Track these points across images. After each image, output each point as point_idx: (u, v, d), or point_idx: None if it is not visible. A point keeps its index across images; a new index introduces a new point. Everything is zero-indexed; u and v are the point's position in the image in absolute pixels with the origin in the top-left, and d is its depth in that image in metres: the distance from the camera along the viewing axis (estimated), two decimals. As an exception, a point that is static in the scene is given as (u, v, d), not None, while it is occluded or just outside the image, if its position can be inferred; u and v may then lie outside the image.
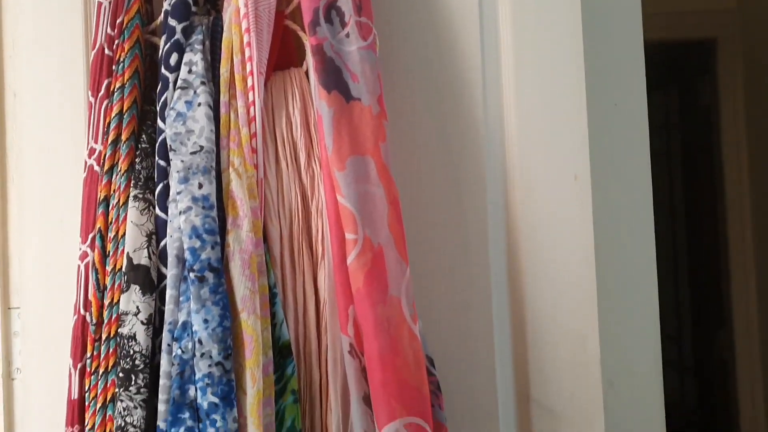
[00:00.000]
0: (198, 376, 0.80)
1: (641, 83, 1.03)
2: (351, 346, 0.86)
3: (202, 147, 0.85)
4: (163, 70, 0.90)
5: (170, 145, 0.86)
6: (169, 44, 0.90)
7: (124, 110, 0.90)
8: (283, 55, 0.95)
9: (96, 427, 0.85)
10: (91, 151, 0.92)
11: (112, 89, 0.92)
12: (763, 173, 2.22)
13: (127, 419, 0.80)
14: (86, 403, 0.87)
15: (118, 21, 0.92)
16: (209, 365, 0.80)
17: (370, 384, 0.83)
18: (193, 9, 0.91)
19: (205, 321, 0.81)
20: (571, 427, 0.97)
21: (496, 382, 0.98)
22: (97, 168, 0.91)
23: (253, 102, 0.87)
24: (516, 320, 0.99)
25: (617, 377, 1.10)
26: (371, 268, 0.85)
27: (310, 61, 0.90)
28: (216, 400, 0.80)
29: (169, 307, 0.83)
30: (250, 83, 0.88)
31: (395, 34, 0.99)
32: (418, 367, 0.85)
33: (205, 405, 0.80)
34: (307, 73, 0.93)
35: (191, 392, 0.81)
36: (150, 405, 0.82)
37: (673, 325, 2.52)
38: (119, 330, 0.84)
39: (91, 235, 0.90)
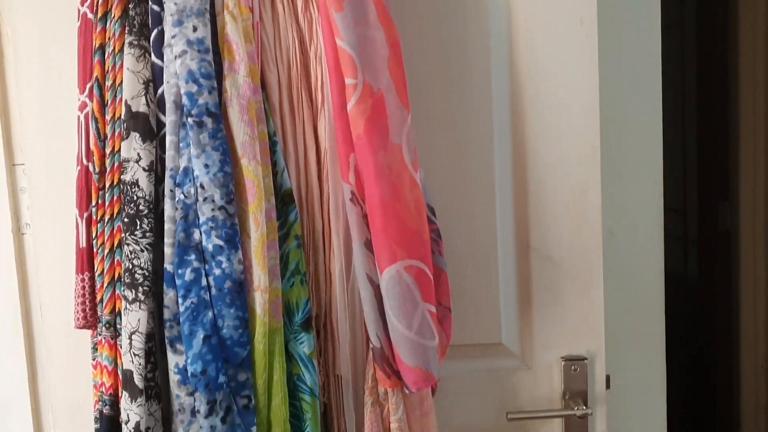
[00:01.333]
0: (202, 219, 0.81)
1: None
2: (352, 193, 0.86)
3: (195, -12, 0.82)
4: None
5: (163, -13, 0.83)
6: None
7: (114, -47, 0.87)
8: None
9: (105, 272, 0.88)
10: (83, -2, 0.90)
11: (99, -69, 0.87)
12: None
13: (135, 262, 0.82)
14: (94, 251, 0.89)
15: None
16: (212, 209, 0.81)
17: (372, 229, 0.85)
18: None
19: (206, 166, 0.81)
20: (570, 274, 0.99)
21: (497, 230, 0.99)
22: (90, 15, 0.89)
23: (246, -60, 0.84)
24: (517, 169, 0.99)
25: (618, 227, 1.11)
26: (372, 114, 0.84)
27: None
28: (221, 242, 0.81)
29: (169, 153, 0.83)
30: None
31: None
32: (419, 212, 0.86)
33: (210, 247, 0.81)
34: None
35: (196, 235, 0.82)
36: (156, 249, 0.84)
37: (677, 197, 2.53)
38: (122, 177, 0.84)
39: (88, 85, 0.89)
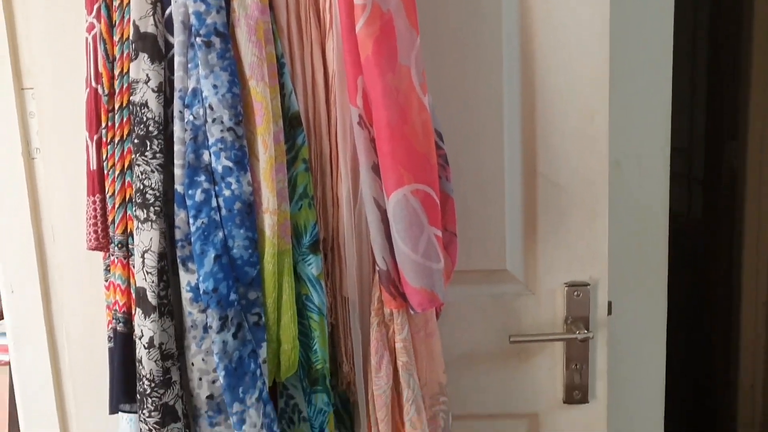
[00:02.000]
0: (211, 141, 0.82)
1: None
2: (360, 117, 0.86)
3: None
4: None
5: None
6: None
7: None
8: None
9: (116, 193, 0.89)
10: None
11: None
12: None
13: (146, 182, 0.83)
14: (105, 172, 0.90)
15: None
16: (221, 130, 0.82)
17: (379, 153, 0.85)
18: None
19: (215, 86, 0.81)
20: (576, 201, 1.00)
21: (504, 156, 1.00)
22: (95, -66, 0.88)
23: None
24: (526, 94, 0.99)
25: (625, 158, 1.12)
26: (380, 35, 0.83)
27: None
28: (230, 164, 0.82)
29: (178, 74, 0.83)
30: None
31: None
32: (427, 136, 0.86)
33: (219, 169, 0.82)
34: None
35: (205, 157, 0.83)
36: (166, 170, 0.85)
37: (684, 136, 2.51)
38: (131, 98, 0.85)
39: (96, 6, 0.88)
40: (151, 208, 0.83)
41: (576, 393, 1.05)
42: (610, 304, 1.04)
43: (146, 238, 0.83)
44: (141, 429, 0.85)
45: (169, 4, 0.84)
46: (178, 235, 0.83)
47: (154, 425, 0.84)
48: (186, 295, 0.84)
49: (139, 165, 0.84)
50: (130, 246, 0.88)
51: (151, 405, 0.83)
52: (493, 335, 1.05)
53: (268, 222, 0.83)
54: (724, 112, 2.37)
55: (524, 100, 0.99)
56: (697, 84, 2.53)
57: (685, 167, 2.54)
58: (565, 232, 1.01)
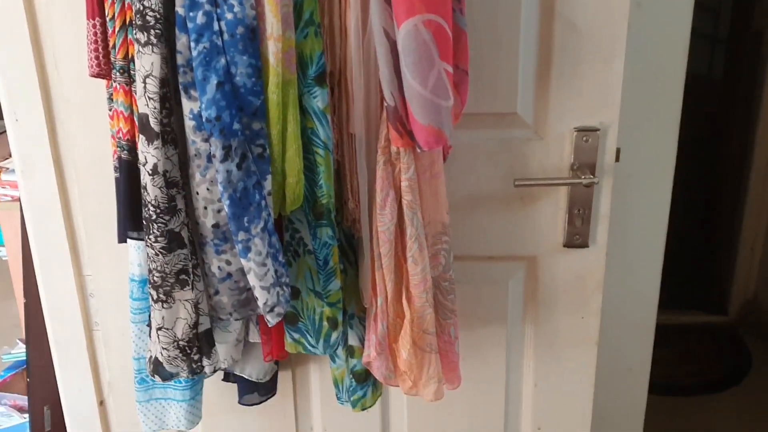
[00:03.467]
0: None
1: None
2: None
3: None
4: None
5: None
6: None
7: None
8: None
9: (116, 15, 0.86)
10: None
11: None
12: None
13: (145, 3, 0.80)
14: (104, -5, 0.86)
15: None
16: (224, -52, 0.77)
17: (391, -19, 0.81)
18: None
19: None
20: (593, 43, 0.96)
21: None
22: None
23: None
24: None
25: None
26: None
27: None
28: (233, -16, 0.78)
29: None
30: None
31: None
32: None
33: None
34: None
35: (207, -23, 0.79)
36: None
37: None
38: None
39: None
40: (152, 31, 0.80)
41: (576, 237, 1.06)
42: (618, 150, 1.03)
43: (147, 62, 0.81)
44: (148, 254, 0.87)
45: None
46: (180, 60, 0.81)
47: (161, 250, 0.85)
48: (189, 123, 0.83)
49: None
50: (131, 72, 0.86)
51: (157, 230, 0.85)
52: (498, 179, 1.05)
53: (272, 49, 0.81)
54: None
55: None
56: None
57: (710, 28, 2.44)
58: (579, 76, 0.98)
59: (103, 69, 0.91)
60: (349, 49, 0.87)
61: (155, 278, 0.86)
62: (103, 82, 0.94)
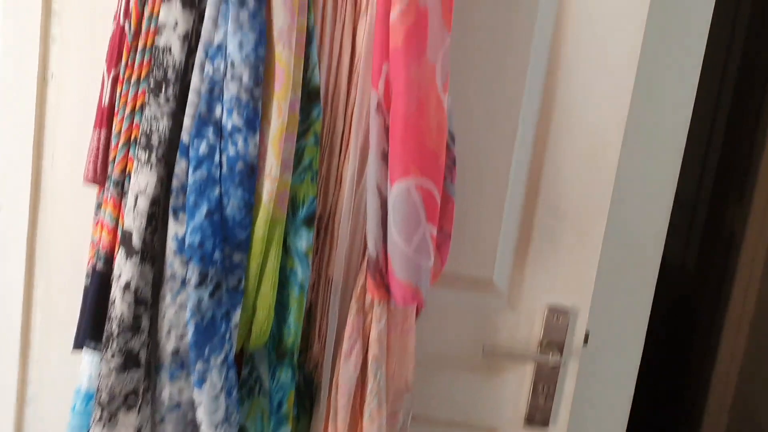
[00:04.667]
0: (226, 97, 0.82)
1: None
2: (379, 102, 0.86)
3: None
4: None
5: None
6: None
7: None
8: None
9: (122, 131, 0.88)
10: None
11: None
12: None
13: (153, 126, 0.83)
14: (115, 110, 0.89)
15: None
16: (238, 88, 0.81)
17: (390, 141, 0.85)
18: None
19: (240, 44, 0.81)
20: (573, 227, 1.01)
21: (511, 168, 1.00)
22: None
23: None
24: (544, 112, 0.99)
25: (629, 196, 1.12)
26: (413, 27, 0.83)
27: None
28: (240, 122, 0.82)
29: (206, 25, 0.83)
30: None
31: None
32: (440, 134, 0.86)
33: (229, 126, 0.82)
34: None
35: (217, 111, 0.82)
36: (176, 119, 0.84)
37: (691, 191, 2.52)
38: (156, 41, 0.84)
39: (137, -58, 0.88)
40: (154, 152, 0.83)
41: (538, 415, 1.05)
42: (587, 334, 1.04)
43: (143, 180, 0.82)
44: (102, 369, 0.84)
45: (212, -46, 0.83)
46: (175, 183, 0.83)
47: (115, 368, 0.83)
48: (171, 245, 0.83)
49: (150, 107, 0.83)
50: (125, 187, 0.87)
51: (116, 347, 0.83)
52: (467, 343, 1.05)
53: (267, 188, 0.83)
54: (734, 173, 2.37)
55: (541, 119, 0.99)
56: (712, 142, 2.54)
57: (686, 221, 2.55)
58: (557, 255, 1.01)
59: (99, 177, 0.92)
60: (342, 197, 0.90)
61: (103, 397, 0.83)
62: (93, 190, 0.95)
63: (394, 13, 0.83)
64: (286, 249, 0.87)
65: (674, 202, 1.24)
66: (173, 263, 0.84)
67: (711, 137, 2.53)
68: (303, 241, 0.87)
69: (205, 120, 0.82)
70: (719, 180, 2.51)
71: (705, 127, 2.51)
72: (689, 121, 1.17)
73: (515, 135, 0.99)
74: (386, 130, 0.86)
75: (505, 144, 1.00)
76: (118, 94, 0.89)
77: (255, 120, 0.82)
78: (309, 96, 0.87)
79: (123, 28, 0.90)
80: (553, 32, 0.97)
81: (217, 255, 0.82)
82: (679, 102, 1.17)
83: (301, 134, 0.87)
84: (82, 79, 1.00)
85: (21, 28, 1.04)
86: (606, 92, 0.96)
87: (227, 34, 0.82)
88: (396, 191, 0.84)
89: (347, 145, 0.90)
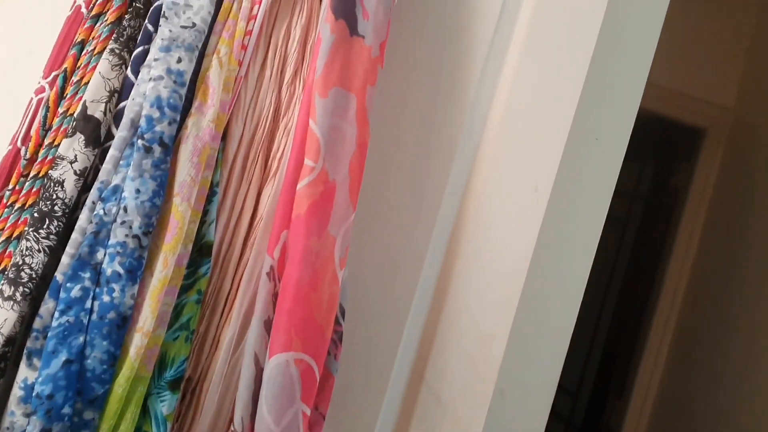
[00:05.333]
0: (112, 241, 0.78)
1: (627, 126, 1.05)
2: (272, 268, 0.84)
3: (194, 24, 0.83)
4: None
5: (164, 12, 0.83)
6: None
7: (130, -37, 0.87)
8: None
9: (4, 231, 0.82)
10: (83, -8, 0.89)
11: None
12: (704, 268, 2.30)
13: (27, 260, 0.77)
14: (-10, 234, 0.84)
15: None
16: (126, 235, 0.78)
17: (277, 310, 0.82)
18: None
19: (138, 191, 0.79)
20: (453, 418, 0.98)
21: (397, 353, 0.98)
22: (84, 10, 0.88)
23: (260, 0, 0.86)
24: (435, 303, 0.99)
25: (510, 389, 1.11)
26: (319, 199, 0.83)
27: (328, -18, 0.89)
28: (121, 270, 0.77)
29: (106, 167, 0.80)
30: (263, -18, 0.86)
31: (418, -7, 0.99)
32: (330, 309, 0.84)
33: (108, 271, 0.77)
34: (321, -6, 0.92)
35: (99, 255, 0.78)
36: (54, 256, 0.79)
37: (574, 382, 2.58)
38: (50, 172, 0.81)
39: (54, 73, 0.87)
40: (20, 288, 0.76)
41: None
42: None
43: (1, 317, 0.76)
44: None
45: (127, 98, 0.83)
46: (37, 324, 0.76)
47: None
48: (16, 392, 0.75)
49: (28, 240, 0.78)
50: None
51: None
52: None
53: (137, 342, 0.78)
54: (616, 370, 2.46)
55: (432, 309, 0.99)
56: (597, 336, 2.64)
57: (567, 411, 2.59)
58: (434, 448, 0.98)
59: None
60: (216, 361, 0.85)
61: None
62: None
63: (302, 183, 0.83)
64: (145, 411, 0.80)
65: (558, 389, 1.24)
66: (14, 412, 0.75)
67: (596, 335, 2.64)
68: (165, 404, 0.80)
69: (85, 262, 0.78)
70: (600, 375, 2.59)
71: (592, 324, 2.62)
72: (575, 317, 1.20)
73: (406, 319, 0.99)
74: (274, 297, 0.84)
75: (394, 325, 0.99)
76: (-4, 219, 0.84)
77: (138, 269, 0.78)
78: (200, 251, 0.84)
79: (19, 151, 0.86)
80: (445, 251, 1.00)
81: (66, 410, 0.74)
82: (568, 295, 1.20)
83: (184, 289, 0.83)
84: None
85: None
86: (494, 303, 0.98)
87: (126, 178, 0.80)
88: (274, 363, 0.80)
89: (231, 307, 0.86)
